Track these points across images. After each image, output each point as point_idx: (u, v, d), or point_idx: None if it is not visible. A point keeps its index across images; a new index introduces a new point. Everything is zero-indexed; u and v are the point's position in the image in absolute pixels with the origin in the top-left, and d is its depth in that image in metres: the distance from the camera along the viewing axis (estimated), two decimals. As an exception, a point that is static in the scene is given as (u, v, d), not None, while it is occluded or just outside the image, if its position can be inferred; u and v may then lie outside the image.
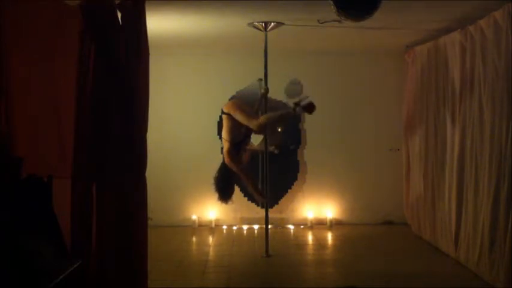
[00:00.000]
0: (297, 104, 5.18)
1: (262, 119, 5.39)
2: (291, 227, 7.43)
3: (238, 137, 5.43)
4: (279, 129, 6.15)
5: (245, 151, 5.80)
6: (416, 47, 6.70)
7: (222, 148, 5.67)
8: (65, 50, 3.78)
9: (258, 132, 5.80)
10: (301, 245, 6.61)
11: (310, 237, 6.93)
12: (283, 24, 5.38)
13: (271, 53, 5.85)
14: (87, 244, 3.64)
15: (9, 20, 3.53)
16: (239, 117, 5.31)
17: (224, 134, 5.46)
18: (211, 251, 6.27)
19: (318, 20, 5.07)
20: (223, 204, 5.78)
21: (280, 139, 5.96)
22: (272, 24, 5.39)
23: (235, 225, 7.42)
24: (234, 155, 5.43)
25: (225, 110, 5.42)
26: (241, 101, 5.95)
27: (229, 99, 6.51)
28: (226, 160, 5.46)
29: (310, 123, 7.38)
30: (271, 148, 5.85)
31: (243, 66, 7.20)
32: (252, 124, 5.28)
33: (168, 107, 7.26)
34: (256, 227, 7.33)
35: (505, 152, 4.52)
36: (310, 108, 5.20)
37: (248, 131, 5.58)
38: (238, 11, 4.92)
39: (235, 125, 5.38)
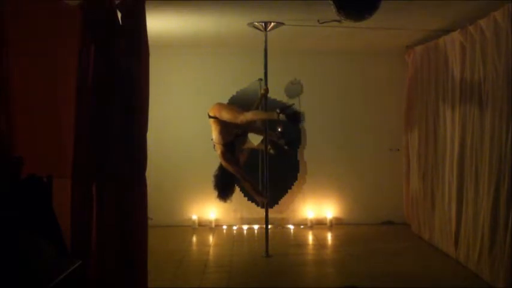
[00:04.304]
0: (282, 111, 5.20)
1: (248, 114, 5.39)
2: (291, 227, 7.43)
3: (229, 138, 5.44)
4: (279, 129, 6.15)
5: (241, 151, 5.80)
6: (416, 47, 6.70)
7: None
8: (65, 50, 3.78)
9: (251, 129, 5.81)
10: (301, 245, 6.61)
11: (310, 237, 6.93)
12: (283, 24, 5.38)
13: (271, 53, 5.86)
14: (87, 244, 3.64)
15: (9, 20, 3.53)
16: (225, 115, 5.33)
17: (215, 137, 5.46)
18: (211, 251, 6.27)
19: (318, 20, 5.08)
20: (222, 203, 5.80)
21: (278, 139, 5.96)
22: (272, 24, 5.39)
23: (235, 225, 7.42)
24: (229, 157, 5.44)
25: (211, 114, 5.42)
26: (225, 103, 6.01)
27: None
28: (222, 162, 5.48)
29: (310, 123, 7.39)
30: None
31: (243, 66, 7.20)
32: (239, 119, 5.30)
33: (168, 106, 7.26)
34: (256, 227, 7.33)
35: (505, 152, 4.52)
36: (294, 118, 5.22)
37: (241, 131, 5.59)
38: (238, 11, 4.92)
39: (223, 127, 5.40)
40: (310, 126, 7.43)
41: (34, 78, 3.74)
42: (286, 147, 6.22)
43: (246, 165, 5.94)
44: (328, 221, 7.42)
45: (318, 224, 7.43)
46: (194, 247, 6.60)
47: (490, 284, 4.73)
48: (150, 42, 3.84)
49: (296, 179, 7.48)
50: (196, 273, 5.31)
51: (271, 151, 5.93)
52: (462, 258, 5.36)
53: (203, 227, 7.34)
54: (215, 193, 5.69)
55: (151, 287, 4.03)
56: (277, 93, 6.90)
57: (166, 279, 5.04)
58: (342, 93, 7.49)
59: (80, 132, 3.66)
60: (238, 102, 6.56)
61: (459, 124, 5.43)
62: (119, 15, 3.74)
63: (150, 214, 3.96)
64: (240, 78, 7.21)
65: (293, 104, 5.78)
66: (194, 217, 7.35)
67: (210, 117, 5.44)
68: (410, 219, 7.03)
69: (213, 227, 7.30)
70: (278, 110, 5.23)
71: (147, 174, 3.82)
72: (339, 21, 4.60)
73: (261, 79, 6.05)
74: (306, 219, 7.46)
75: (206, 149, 6.77)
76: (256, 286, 4.96)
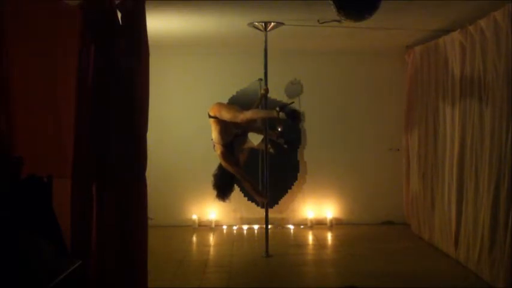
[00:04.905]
0: (281, 109, 5.20)
1: (248, 112, 5.39)
2: (291, 227, 7.43)
3: (229, 138, 5.44)
4: (279, 129, 6.14)
5: (241, 151, 5.80)
6: (416, 47, 6.70)
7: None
8: (65, 50, 3.78)
9: (251, 129, 5.81)
10: (301, 245, 6.61)
11: (310, 237, 6.93)
12: (283, 24, 5.38)
13: (271, 53, 5.86)
14: (87, 244, 3.64)
15: (9, 20, 3.53)
16: (225, 115, 5.33)
17: (214, 137, 5.46)
18: (211, 251, 6.27)
19: (318, 20, 5.07)
20: (221, 202, 5.80)
21: (277, 138, 5.96)
22: (272, 24, 5.39)
23: (235, 225, 7.42)
24: (229, 157, 5.44)
25: (211, 114, 5.42)
26: (224, 103, 6.03)
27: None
28: (222, 163, 5.48)
29: (310, 123, 7.39)
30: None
31: (243, 66, 7.20)
32: (239, 118, 5.30)
33: (168, 107, 7.26)
34: (256, 227, 7.33)
35: (505, 152, 4.52)
36: (293, 116, 5.22)
37: (241, 131, 5.59)
38: (238, 11, 4.92)
39: (223, 127, 5.40)
40: (310, 126, 7.43)
41: (34, 78, 3.74)
42: (285, 146, 6.22)
43: (246, 165, 5.94)
44: (328, 221, 7.42)
45: (318, 224, 7.43)
46: (194, 247, 6.60)
47: (490, 284, 4.73)
48: (150, 42, 3.84)
49: (296, 179, 7.48)
50: (196, 273, 5.31)
51: (271, 150, 5.93)
52: (462, 258, 5.36)
53: (203, 227, 7.34)
54: (214, 192, 5.69)
55: (151, 287, 4.03)
56: (277, 93, 6.90)
57: (166, 279, 5.04)
58: (342, 93, 7.48)
59: (80, 132, 3.66)
60: (238, 102, 6.55)
61: (459, 124, 5.43)
62: (119, 15, 3.74)
63: (150, 214, 3.96)
64: (240, 78, 7.21)
65: (292, 101, 5.76)
66: (194, 217, 7.36)
67: (210, 116, 5.44)
68: (410, 219, 7.03)
69: (213, 227, 7.30)
70: (278, 108, 5.24)
71: (147, 174, 3.82)
72: (339, 21, 4.59)
73: (261, 79, 6.04)
74: (306, 219, 7.46)
75: (206, 149, 6.75)
76: (256, 286, 4.96)
